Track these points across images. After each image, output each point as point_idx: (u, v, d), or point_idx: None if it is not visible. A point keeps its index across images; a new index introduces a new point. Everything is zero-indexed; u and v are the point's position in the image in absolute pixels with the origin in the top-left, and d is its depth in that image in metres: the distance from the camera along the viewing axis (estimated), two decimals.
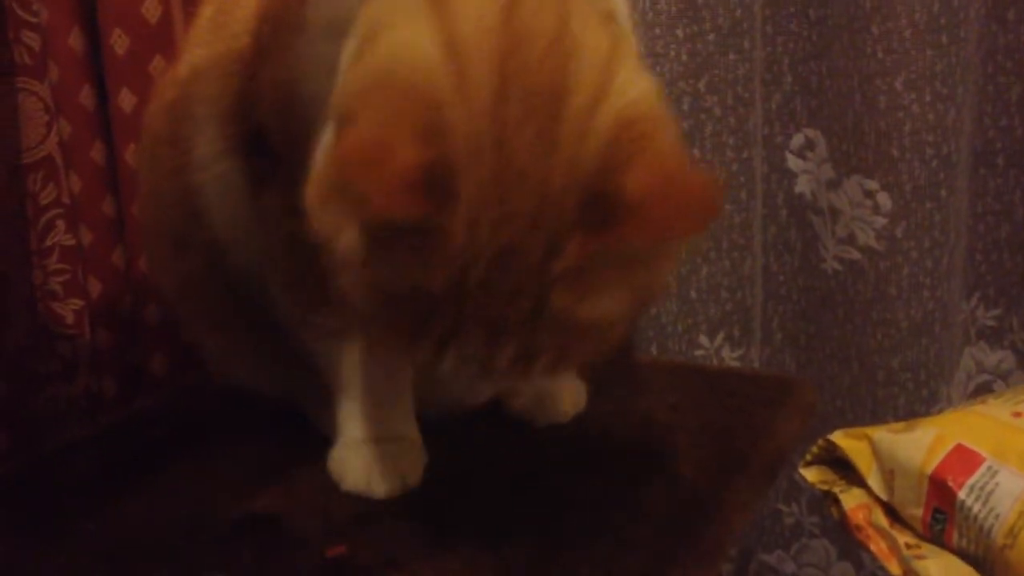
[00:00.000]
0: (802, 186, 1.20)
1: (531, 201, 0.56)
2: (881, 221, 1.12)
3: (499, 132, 0.56)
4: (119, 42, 1.07)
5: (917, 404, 1.19)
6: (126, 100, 1.09)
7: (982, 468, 0.79)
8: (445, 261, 0.57)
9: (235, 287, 0.87)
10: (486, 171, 0.56)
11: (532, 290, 0.58)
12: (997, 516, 0.77)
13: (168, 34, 1.12)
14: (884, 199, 1.12)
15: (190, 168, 0.85)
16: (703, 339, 1.18)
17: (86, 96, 1.08)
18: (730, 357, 1.19)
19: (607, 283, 0.59)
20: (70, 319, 1.19)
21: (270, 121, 0.78)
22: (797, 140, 1.19)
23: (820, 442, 0.91)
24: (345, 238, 0.60)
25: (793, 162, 1.20)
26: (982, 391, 1.24)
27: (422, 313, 0.60)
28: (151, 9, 1.09)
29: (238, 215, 0.85)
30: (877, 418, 1.18)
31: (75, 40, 1.06)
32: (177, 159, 0.86)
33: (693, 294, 1.17)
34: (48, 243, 1.09)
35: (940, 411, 1.20)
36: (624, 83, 0.59)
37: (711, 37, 1.11)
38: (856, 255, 1.15)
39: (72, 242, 1.10)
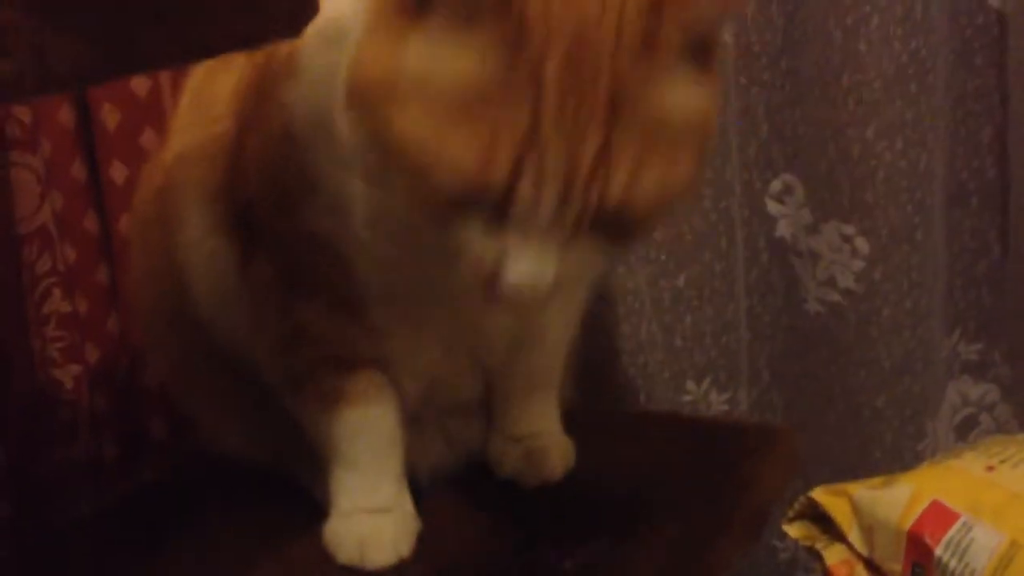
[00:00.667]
0: (782, 230, 1.22)
1: None
2: (860, 264, 1.15)
3: None
4: (109, 116, 1.10)
5: (904, 440, 1.21)
6: (118, 172, 1.12)
7: (957, 524, 0.82)
8: (523, 45, 0.59)
9: (226, 360, 0.90)
10: None
11: (607, 76, 0.60)
12: (973, 571, 0.79)
13: (158, 107, 1.15)
14: (862, 243, 1.14)
15: (180, 247, 0.88)
16: (690, 384, 1.20)
17: (78, 168, 1.10)
18: (718, 401, 1.21)
19: (673, 78, 0.61)
20: (69, 384, 1.21)
21: (257, 191, 0.81)
22: (775, 185, 1.22)
23: (801, 499, 0.93)
24: (414, 50, 0.62)
25: (773, 207, 1.22)
26: (968, 424, 1.27)
27: (499, 120, 0.60)
28: (140, 84, 1.12)
29: (227, 288, 0.87)
30: (865, 455, 1.21)
31: (65, 115, 1.09)
32: (167, 239, 0.89)
33: (678, 342, 1.19)
34: (45, 311, 1.12)
35: (927, 446, 1.23)
36: None
37: None
38: (837, 297, 1.18)
39: (68, 309, 1.13)
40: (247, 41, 0.66)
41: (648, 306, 1.17)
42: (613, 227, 0.64)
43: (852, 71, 1.10)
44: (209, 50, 0.63)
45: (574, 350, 0.98)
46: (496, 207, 0.63)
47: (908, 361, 1.17)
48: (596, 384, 1.15)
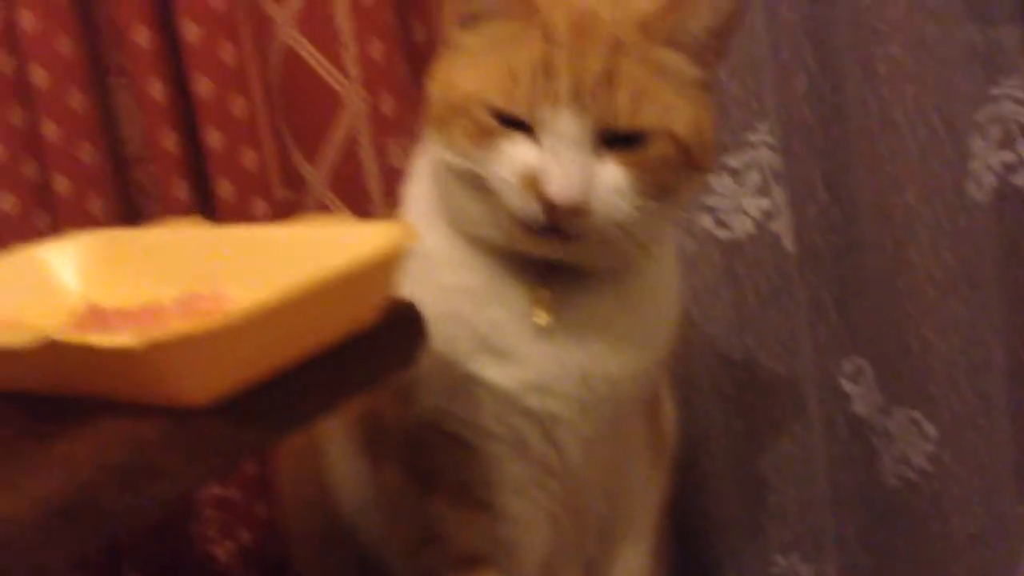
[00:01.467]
0: (858, 407, 1.33)
1: None
2: (929, 447, 1.25)
3: None
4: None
5: None
6: None
7: None
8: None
9: (371, 567, 1.07)
10: None
11: (608, 26, 0.83)
12: None
13: None
14: (929, 428, 1.24)
15: (325, 470, 1.08)
16: (778, 558, 1.31)
17: None
18: (806, 573, 1.31)
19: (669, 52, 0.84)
20: (223, 558, 1.40)
21: (389, 411, 0.98)
22: (847, 367, 1.33)
23: None
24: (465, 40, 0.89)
25: (847, 386, 1.33)
26: None
27: (518, 58, 0.83)
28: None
29: (366, 499, 1.06)
30: None
31: None
32: (315, 466, 1.08)
33: (764, 520, 1.30)
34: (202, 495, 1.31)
35: None
36: None
37: (753, 300, 1.27)
38: (911, 475, 1.28)
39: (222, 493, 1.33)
40: (376, 381, 0.82)
41: (733, 490, 1.29)
42: (631, 152, 0.82)
43: (905, 275, 1.21)
44: (348, 396, 0.80)
45: (665, 533, 1.13)
46: (529, 128, 0.83)
47: (982, 533, 1.26)
48: (686, 565, 1.27)
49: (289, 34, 1.17)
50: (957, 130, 1.17)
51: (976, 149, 1.20)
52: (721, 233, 1.26)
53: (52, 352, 0.65)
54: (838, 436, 1.35)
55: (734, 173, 1.23)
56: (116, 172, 1.31)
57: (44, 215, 1.27)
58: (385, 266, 0.78)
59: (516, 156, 0.83)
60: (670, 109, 0.83)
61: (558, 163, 0.81)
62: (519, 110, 0.83)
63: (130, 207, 1.32)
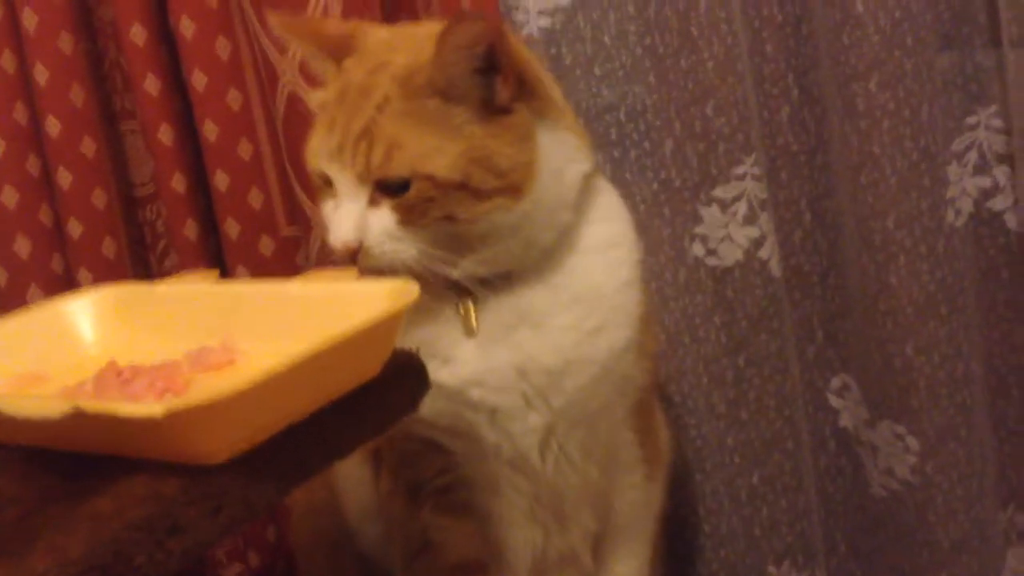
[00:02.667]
0: (845, 421, 1.38)
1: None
2: (912, 459, 1.30)
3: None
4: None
5: None
6: None
7: None
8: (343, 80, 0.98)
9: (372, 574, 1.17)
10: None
11: (378, 93, 0.94)
12: None
13: None
14: (912, 441, 1.29)
15: (333, 474, 1.18)
16: (771, 568, 1.37)
17: None
18: None
19: (427, 114, 0.93)
20: None
21: None
22: (835, 383, 1.38)
23: None
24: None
25: (834, 400, 1.38)
26: None
27: (323, 121, 0.97)
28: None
29: (370, 505, 1.16)
30: None
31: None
32: (325, 474, 1.16)
33: (757, 531, 1.36)
34: None
35: None
36: None
37: (743, 323, 1.32)
38: (896, 485, 1.33)
39: None
40: (383, 427, 0.87)
41: (727, 504, 1.34)
42: (398, 196, 0.92)
43: (887, 297, 1.25)
44: (357, 443, 0.85)
45: (661, 547, 1.19)
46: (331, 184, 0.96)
47: (965, 540, 1.31)
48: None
49: (293, 80, 1.22)
50: (934, 159, 1.22)
51: (953, 177, 1.25)
52: (711, 261, 1.31)
53: (80, 419, 0.70)
54: (826, 449, 1.40)
55: (722, 204, 1.28)
56: (126, 213, 1.36)
57: (59, 258, 1.32)
58: (391, 323, 0.83)
59: (326, 211, 0.98)
60: (427, 155, 0.92)
61: (335, 215, 0.96)
62: (319, 165, 0.97)
63: (141, 247, 1.38)
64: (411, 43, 0.98)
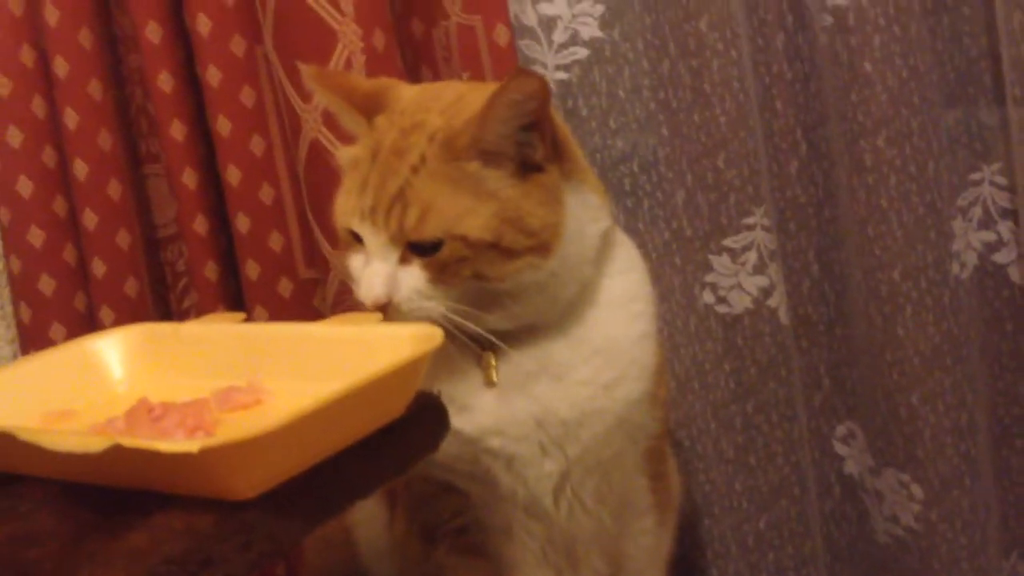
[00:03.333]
0: (850, 468, 1.40)
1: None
2: (917, 508, 1.32)
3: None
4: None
5: None
6: None
7: None
8: (374, 139, 0.99)
9: None
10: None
11: (413, 155, 0.95)
12: None
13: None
14: (917, 489, 1.31)
15: (349, 514, 1.19)
16: None
17: None
18: None
19: (464, 176, 0.94)
20: None
21: None
22: (840, 430, 1.40)
23: None
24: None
25: (840, 447, 1.41)
26: None
27: (354, 181, 0.98)
28: None
29: (382, 543, 1.19)
30: None
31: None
32: None
33: None
34: None
35: None
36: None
37: (752, 370, 1.35)
38: (900, 532, 1.35)
39: None
40: (405, 467, 0.90)
41: (734, 549, 1.36)
42: (430, 256, 0.94)
43: (893, 348, 1.28)
44: (381, 482, 0.87)
45: None
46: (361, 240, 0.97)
47: None
48: None
49: (315, 128, 1.26)
50: (940, 214, 1.25)
51: (958, 231, 1.28)
52: (721, 309, 1.34)
53: (118, 454, 0.72)
54: (832, 495, 1.42)
55: (733, 253, 1.32)
56: (148, 253, 1.39)
57: (82, 296, 1.35)
58: (415, 367, 0.86)
59: (354, 265, 1.00)
60: (461, 216, 0.94)
61: (365, 272, 0.97)
62: (350, 225, 0.98)
63: (162, 286, 1.41)
64: (443, 103, 0.99)
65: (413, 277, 0.95)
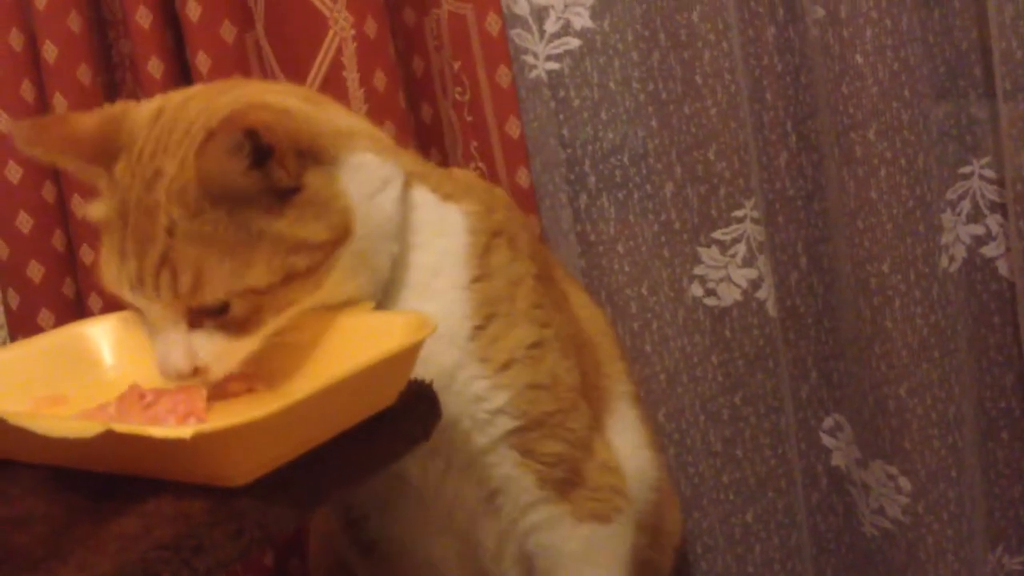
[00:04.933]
0: (837, 460, 1.41)
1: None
2: (904, 500, 1.32)
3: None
4: None
5: None
6: None
7: None
8: (118, 197, 0.89)
9: None
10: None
11: (161, 216, 0.86)
12: None
13: None
14: (904, 482, 1.32)
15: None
16: None
17: None
18: None
19: (220, 229, 0.86)
20: None
21: None
22: (827, 422, 1.41)
23: None
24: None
25: (827, 440, 1.41)
26: None
27: (112, 244, 0.89)
28: None
29: None
30: None
31: None
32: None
33: (750, 569, 1.38)
34: None
35: None
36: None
37: (740, 362, 1.35)
38: (887, 524, 1.35)
39: None
40: (397, 456, 0.90)
41: (721, 541, 1.37)
42: (222, 315, 0.87)
43: (882, 340, 1.29)
44: (372, 471, 0.87)
45: None
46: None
47: None
48: None
49: None
50: (929, 207, 1.26)
51: (947, 224, 1.28)
52: (710, 301, 1.35)
53: (111, 440, 0.72)
54: (818, 487, 1.43)
55: (722, 246, 1.32)
56: None
57: (70, 282, 1.34)
58: (408, 355, 0.86)
59: (145, 332, 0.92)
60: (238, 271, 0.86)
61: (157, 345, 0.89)
62: (120, 295, 0.90)
63: None
64: (175, 139, 0.89)
65: (211, 341, 0.88)
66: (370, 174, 0.94)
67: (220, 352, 0.88)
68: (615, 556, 1.11)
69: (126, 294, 0.89)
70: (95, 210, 0.93)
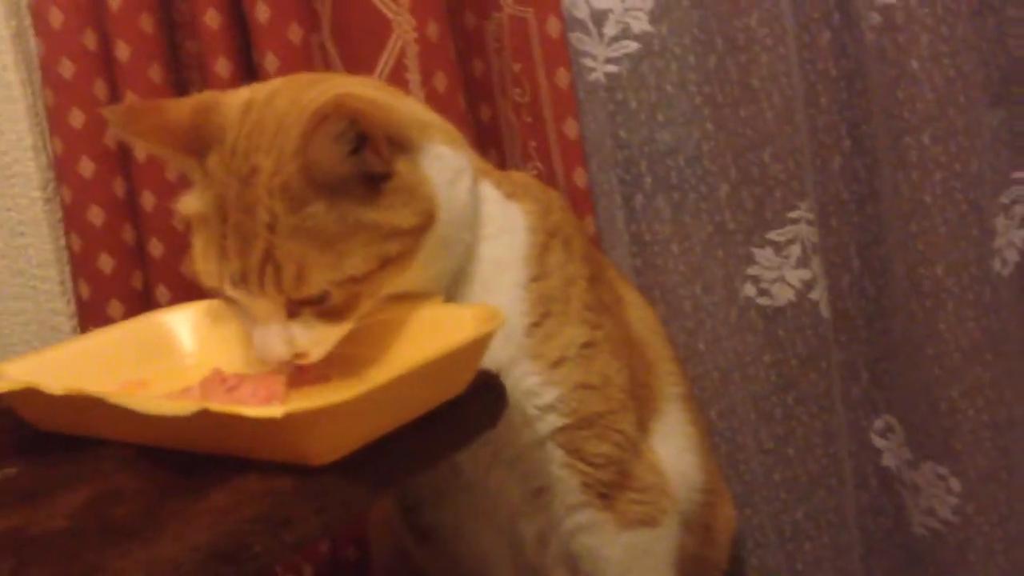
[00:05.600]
0: (887, 460, 1.42)
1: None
2: (954, 500, 1.34)
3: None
4: None
5: None
6: None
7: None
8: (215, 189, 0.91)
9: None
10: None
11: (262, 210, 0.88)
12: None
13: None
14: (955, 483, 1.33)
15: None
16: None
17: None
18: None
19: (321, 222, 0.88)
20: None
21: None
22: (878, 424, 1.42)
23: None
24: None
25: (877, 441, 1.43)
26: None
27: (210, 239, 0.91)
28: None
29: None
30: None
31: None
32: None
33: (800, 567, 1.40)
34: None
35: None
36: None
37: (793, 362, 1.37)
38: (937, 525, 1.37)
39: None
40: (464, 442, 0.93)
41: (772, 538, 1.39)
42: (321, 305, 0.90)
43: (934, 342, 1.30)
44: (442, 455, 0.90)
45: None
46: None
47: None
48: None
49: None
50: (982, 211, 1.27)
51: (1000, 228, 1.30)
52: (763, 301, 1.37)
53: (204, 418, 0.75)
54: (868, 488, 1.44)
55: (777, 247, 1.34)
56: None
57: (139, 275, 1.38)
58: (478, 346, 0.89)
59: (243, 321, 0.95)
60: (338, 262, 0.89)
61: (257, 336, 0.92)
62: (220, 290, 0.93)
63: None
64: (268, 137, 0.91)
65: (310, 328, 0.91)
66: (446, 164, 0.98)
67: (318, 338, 0.91)
68: (661, 559, 1.12)
69: (227, 289, 0.91)
70: (188, 204, 0.95)
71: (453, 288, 1.00)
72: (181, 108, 0.95)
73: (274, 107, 0.93)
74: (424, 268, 0.95)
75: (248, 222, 0.89)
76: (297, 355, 0.91)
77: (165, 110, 0.96)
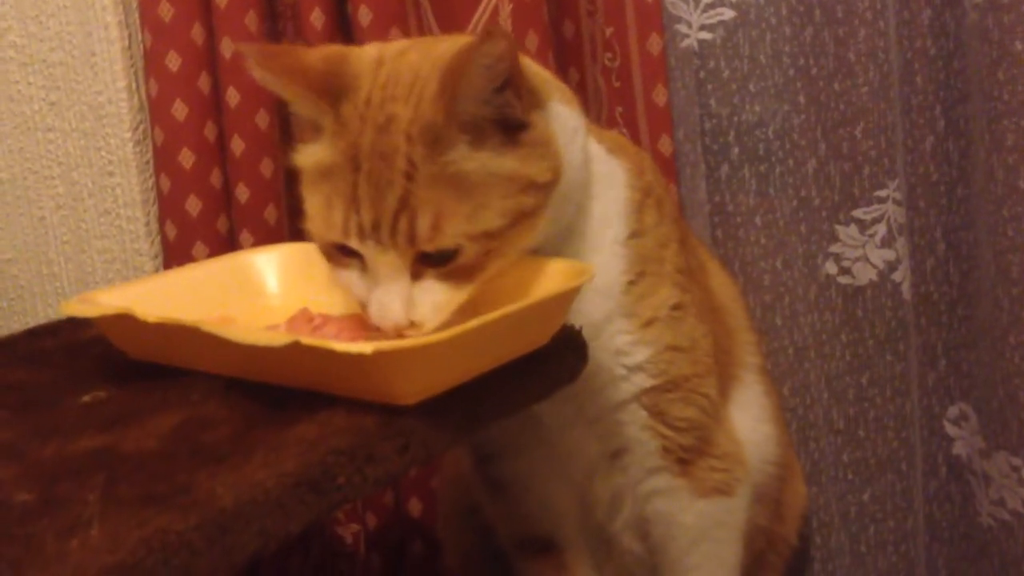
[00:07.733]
0: (959, 449, 1.41)
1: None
2: None
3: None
4: None
5: None
6: None
7: None
8: (346, 137, 0.88)
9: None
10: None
11: (401, 155, 0.86)
12: None
13: None
14: None
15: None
16: None
17: None
18: None
19: (463, 149, 0.86)
20: (349, 540, 1.52)
21: None
22: (952, 411, 1.40)
23: None
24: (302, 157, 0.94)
25: (950, 428, 1.41)
26: None
27: (334, 190, 0.88)
28: None
29: None
30: None
31: None
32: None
33: (863, 548, 1.39)
34: None
35: None
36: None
37: (870, 343, 1.36)
38: (1006, 516, 1.35)
39: None
40: (545, 394, 0.93)
41: (837, 519, 1.38)
42: (447, 265, 0.87)
43: (1017, 333, 1.28)
44: (523, 405, 0.91)
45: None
46: (354, 255, 0.89)
47: None
48: None
49: None
50: None
51: None
52: (844, 280, 1.35)
53: (296, 351, 0.77)
54: (937, 475, 1.43)
55: (862, 225, 1.33)
56: (288, 183, 1.45)
57: (224, 219, 1.41)
58: (565, 299, 0.89)
59: (352, 285, 0.91)
60: (474, 214, 0.87)
61: (375, 295, 0.88)
62: (344, 242, 0.89)
63: (298, 215, 1.46)
64: (404, 87, 0.90)
65: (432, 292, 0.88)
66: (565, 122, 0.97)
67: (438, 304, 0.88)
68: (732, 529, 1.12)
69: (353, 241, 0.88)
70: (309, 155, 0.92)
71: (562, 246, 0.99)
72: (313, 54, 0.94)
73: (408, 60, 0.92)
74: (546, 226, 0.94)
75: (384, 170, 0.86)
76: (412, 323, 0.87)
77: (298, 53, 0.93)
